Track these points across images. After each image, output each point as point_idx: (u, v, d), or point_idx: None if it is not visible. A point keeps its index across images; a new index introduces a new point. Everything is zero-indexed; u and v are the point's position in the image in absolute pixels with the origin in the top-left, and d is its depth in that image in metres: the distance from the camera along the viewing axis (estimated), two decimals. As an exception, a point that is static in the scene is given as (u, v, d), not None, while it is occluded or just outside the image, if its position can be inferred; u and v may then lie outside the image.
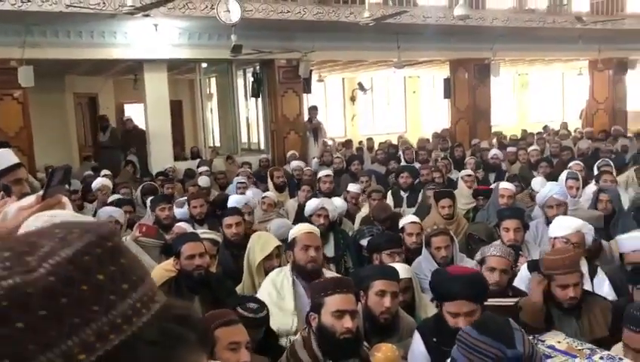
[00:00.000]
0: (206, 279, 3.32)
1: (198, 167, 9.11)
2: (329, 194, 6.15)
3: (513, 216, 4.11)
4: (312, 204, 4.76)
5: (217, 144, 12.26)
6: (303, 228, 3.41)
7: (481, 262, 3.23)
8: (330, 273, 3.46)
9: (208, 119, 11.76)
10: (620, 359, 2.25)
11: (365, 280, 2.88)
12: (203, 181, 7.41)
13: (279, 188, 6.94)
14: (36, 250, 0.48)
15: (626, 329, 2.32)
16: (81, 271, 0.48)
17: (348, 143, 12.57)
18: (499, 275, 3.10)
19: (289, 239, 3.39)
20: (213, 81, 12.50)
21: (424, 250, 3.81)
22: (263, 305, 2.80)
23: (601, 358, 2.20)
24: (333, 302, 2.44)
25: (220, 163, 10.21)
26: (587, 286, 3.26)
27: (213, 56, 9.98)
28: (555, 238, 3.56)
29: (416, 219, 4.34)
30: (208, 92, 12.34)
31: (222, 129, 12.17)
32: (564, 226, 3.59)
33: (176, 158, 10.52)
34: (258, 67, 10.90)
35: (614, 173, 6.48)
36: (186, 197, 5.76)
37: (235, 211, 4.52)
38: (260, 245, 3.75)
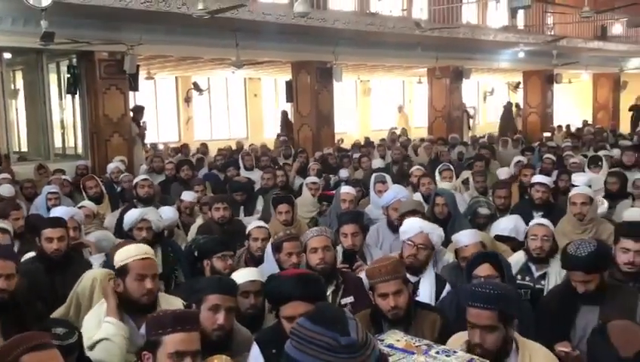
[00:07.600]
0: (8, 302, 3.15)
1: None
2: (148, 201, 6.09)
3: (351, 220, 4.24)
4: (131, 216, 4.53)
5: (25, 149, 11.69)
6: (135, 251, 2.97)
7: (305, 249, 3.59)
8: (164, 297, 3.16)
9: (13, 121, 11.20)
10: (455, 352, 2.37)
11: (198, 294, 2.82)
12: (4, 190, 6.95)
13: (95, 200, 6.68)
14: None
15: (470, 309, 2.49)
16: None
17: (183, 148, 12.49)
18: (322, 254, 3.48)
19: (115, 263, 3.01)
20: (19, 74, 11.83)
21: (269, 257, 3.85)
22: (72, 330, 2.60)
23: (437, 352, 2.33)
24: (172, 342, 2.32)
25: (27, 171, 9.54)
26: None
27: (19, 44, 9.50)
28: (404, 242, 3.76)
29: (262, 223, 4.56)
30: (13, 88, 11.68)
31: (30, 131, 11.47)
32: (406, 228, 3.76)
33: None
34: (75, 60, 10.54)
35: (454, 177, 7.07)
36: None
37: (59, 223, 4.19)
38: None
